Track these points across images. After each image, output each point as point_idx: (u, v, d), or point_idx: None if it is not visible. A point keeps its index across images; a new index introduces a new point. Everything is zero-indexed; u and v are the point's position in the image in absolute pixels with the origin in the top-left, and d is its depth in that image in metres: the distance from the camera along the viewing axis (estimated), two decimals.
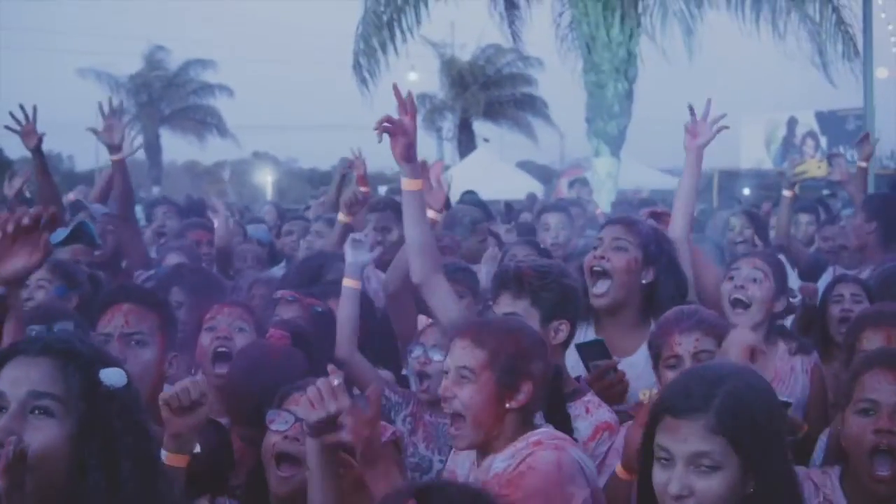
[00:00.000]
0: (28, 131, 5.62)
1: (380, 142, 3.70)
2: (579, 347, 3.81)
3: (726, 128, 4.65)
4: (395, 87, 3.83)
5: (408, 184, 3.77)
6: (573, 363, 3.79)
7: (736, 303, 4.16)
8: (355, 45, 16.94)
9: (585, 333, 4.01)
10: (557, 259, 6.39)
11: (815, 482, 2.96)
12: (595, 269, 3.98)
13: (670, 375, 3.27)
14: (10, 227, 2.74)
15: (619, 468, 3.05)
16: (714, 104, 4.55)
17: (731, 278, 4.22)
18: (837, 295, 4.79)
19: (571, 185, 12.31)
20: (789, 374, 4.08)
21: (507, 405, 2.89)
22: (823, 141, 38.32)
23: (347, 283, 4.18)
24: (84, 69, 38.23)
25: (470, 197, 9.32)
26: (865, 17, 15.82)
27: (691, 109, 4.58)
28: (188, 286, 4.73)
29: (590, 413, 3.47)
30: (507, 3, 17.16)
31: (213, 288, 4.89)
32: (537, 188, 22.04)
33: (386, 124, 3.69)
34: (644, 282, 4.00)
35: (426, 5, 16.72)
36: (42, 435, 2.04)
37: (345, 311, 4.12)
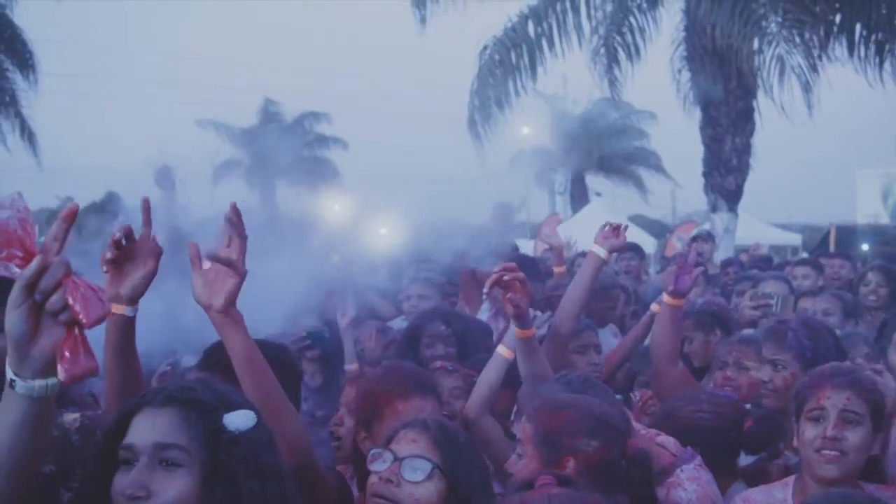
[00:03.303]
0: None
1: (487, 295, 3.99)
2: None
3: None
4: (508, 269, 3.89)
5: (521, 333, 3.93)
6: None
7: None
8: (470, 101, 16.94)
9: None
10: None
11: None
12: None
13: (810, 427, 3.25)
14: (108, 255, 2.75)
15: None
16: None
17: None
18: None
19: (694, 239, 12.00)
20: None
21: None
22: None
23: (502, 350, 4.15)
24: (203, 120, 39.10)
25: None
26: None
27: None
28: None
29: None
30: (608, 59, 16.83)
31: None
32: (649, 243, 21.80)
33: (504, 276, 3.78)
34: None
35: (541, 61, 16.69)
36: (172, 487, 2.07)
37: (488, 375, 4.11)
